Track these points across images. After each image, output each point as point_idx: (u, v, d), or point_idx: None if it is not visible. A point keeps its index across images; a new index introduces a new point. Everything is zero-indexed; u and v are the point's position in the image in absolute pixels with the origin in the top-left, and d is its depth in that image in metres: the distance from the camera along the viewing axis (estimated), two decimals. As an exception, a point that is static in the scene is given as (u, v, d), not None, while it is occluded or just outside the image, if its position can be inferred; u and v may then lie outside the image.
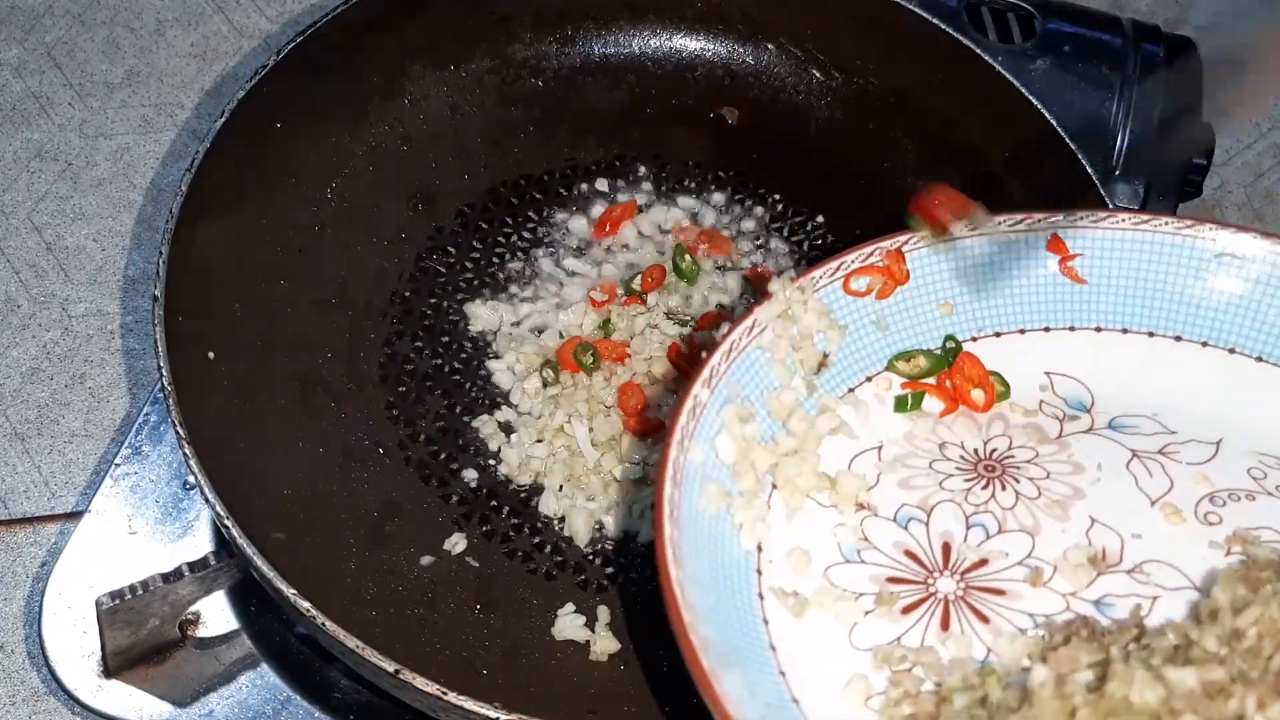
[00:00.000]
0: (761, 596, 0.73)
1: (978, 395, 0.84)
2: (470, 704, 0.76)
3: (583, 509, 0.95)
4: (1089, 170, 0.98)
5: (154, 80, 1.36)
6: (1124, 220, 0.85)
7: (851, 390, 0.84)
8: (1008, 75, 1.03)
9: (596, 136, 1.14)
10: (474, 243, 1.08)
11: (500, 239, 1.08)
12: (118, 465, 1.00)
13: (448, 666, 0.85)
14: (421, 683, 0.76)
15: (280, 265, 1.02)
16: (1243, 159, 1.38)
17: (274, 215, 1.02)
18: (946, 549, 0.76)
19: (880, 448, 0.82)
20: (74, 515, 1.09)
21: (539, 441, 0.97)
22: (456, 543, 0.93)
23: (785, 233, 1.10)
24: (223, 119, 0.96)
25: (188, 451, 0.83)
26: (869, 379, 0.84)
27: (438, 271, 1.06)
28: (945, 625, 0.72)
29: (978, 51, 1.04)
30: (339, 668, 0.94)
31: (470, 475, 0.96)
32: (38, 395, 1.16)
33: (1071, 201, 0.98)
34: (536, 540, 0.94)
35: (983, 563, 0.75)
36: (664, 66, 1.17)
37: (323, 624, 0.78)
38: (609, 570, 0.93)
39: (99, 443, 1.14)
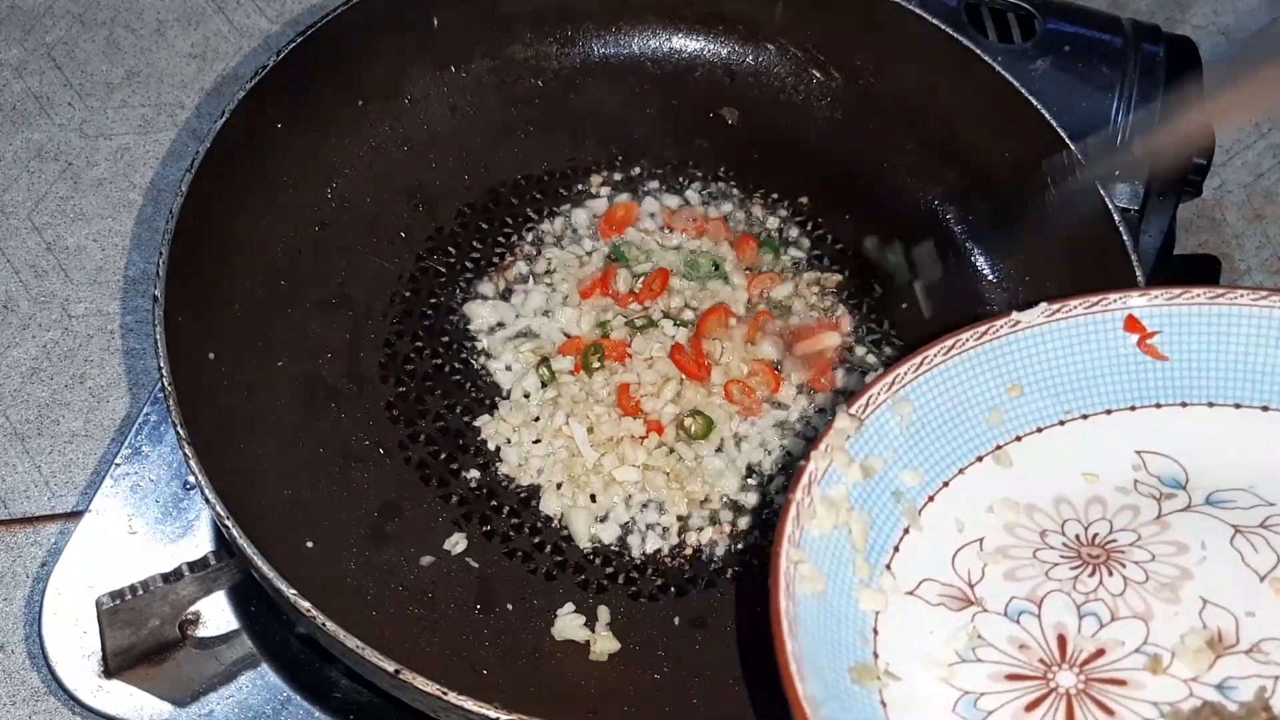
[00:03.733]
0: (879, 678, 0.73)
1: None
2: (470, 704, 0.76)
3: (583, 509, 0.95)
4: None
5: (154, 80, 1.36)
6: (1199, 295, 0.85)
7: (946, 484, 0.83)
8: (1008, 75, 1.03)
9: (596, 136, 1.14)
10: (474, 243, 1.07)
11: (500, 239, 1.08)
12: (118, 465, 1.00)
13: (448, 666, 0.85)
14: (421, 683, 0.76)
15: (280, 265, 1.02)
16: (1243, 159, 1.38)
17: (274, 215, 1.02)
18: (1062, 641, 0.75)
19: (981, 540, 0.81)
20: (74, 515, 1.09)
21: (538, 441, 0.97)
22: (456, 543, 0.93)
23: (785, 232, 1.10)
24: (223, 119, 0.96)
25: (188, 451, 0.83)
26: (961, 471, 0.83)
27: (438, 271, 1.06)
28: None
29: (978, 51, 1.04)
30: (339, 668, 0.94)
31: (470, 475, 0.96)
32: (38, 395, 1.16)
33: (1072, 203, 0.98)
34: (536, 540, 0.94)
35: (1100, 653, 0.74)
36: (664, 67, 1.16)
37: (323, 624, 0.78)
38: (609, 570, 0.93)
39: (99, 443, 1.14)
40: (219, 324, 0.95)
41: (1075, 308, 0.85)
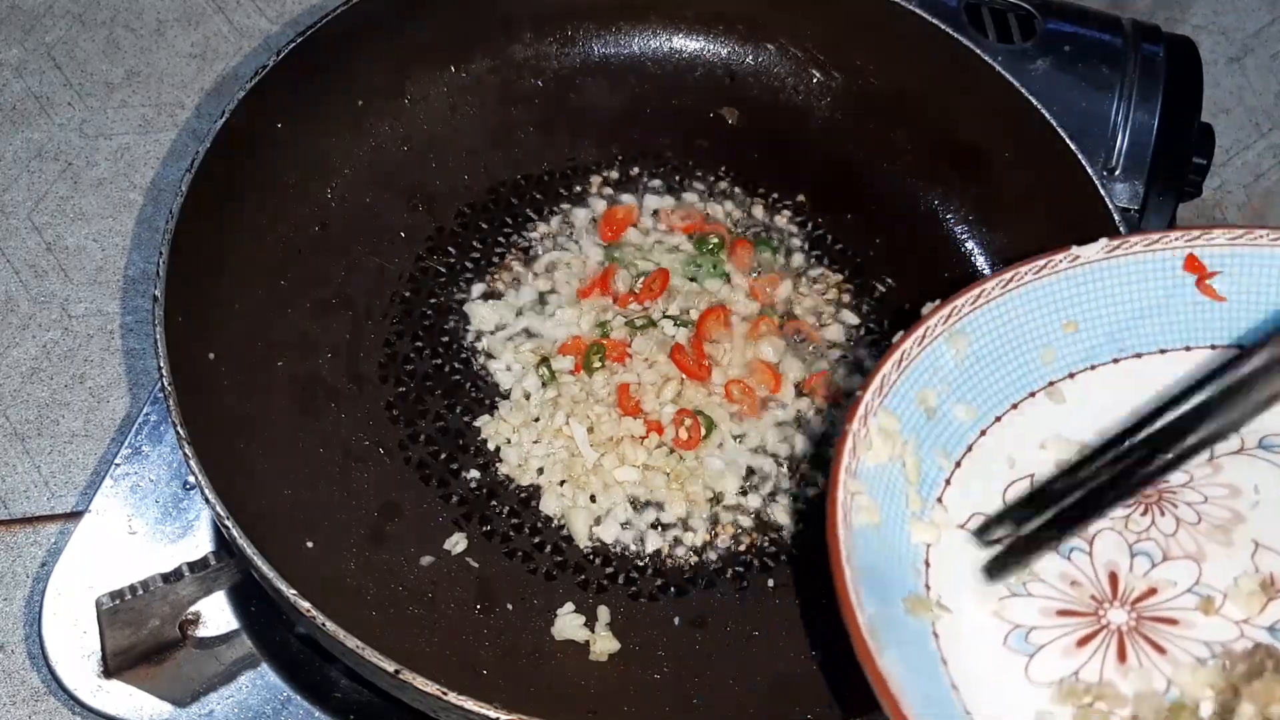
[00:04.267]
0: (931, 610, 0.73)
1: None
2: (470, 704, 0.76)
3: (583, 509, 0.95)
4: (1089, 170, 0.98)
5: (154, 80, 1.36)
6: (1261, 236, 0.84)
7: (998, 419, 0.83)
8: (1008, 75, 1.03)
9: (596, 136, 1.14)
10: (474, 243, 1.08)
11: (500, 239, 1.08)
12: (118, 465, 1.00)
13: (448, 666, 0.85)
14: (421, 683, 0.76)
15: (280, 265, 1.02)
16: (1243, 159, 1.38)
17: (274, 215, 1.02)
18: (1113, 578, 0.75)
19: (1033, 476, 0.81)
20: (74, 515, 1.09)
21: (538, 442, 0.97)
22: (456, 543, 0.93)
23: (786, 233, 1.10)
24: (223, 119, 0.96)
25: (188, 451, 0.83)
26: (1014, 406, 0.83)
27: (438, 271, 1.06)
28: (1122, 657, 0.72)
29: (978, 51, 1.04)
30: (339, 668, 0.94)
31: (470, 475, 0.96)
32: (38, 395, 1.16)
33: (1072, 204, 0.98)
34: (536, 540, 0.94)
35: (1151, 592, 0.74)
36: (664, 67, 1.16)
37: (323, 624, 0.78)
38: (609, 570, 0.93)
39: (99, 443, 1.14)
40: (219, 324, 0.95)
41: (1135, 245, 0.85)
